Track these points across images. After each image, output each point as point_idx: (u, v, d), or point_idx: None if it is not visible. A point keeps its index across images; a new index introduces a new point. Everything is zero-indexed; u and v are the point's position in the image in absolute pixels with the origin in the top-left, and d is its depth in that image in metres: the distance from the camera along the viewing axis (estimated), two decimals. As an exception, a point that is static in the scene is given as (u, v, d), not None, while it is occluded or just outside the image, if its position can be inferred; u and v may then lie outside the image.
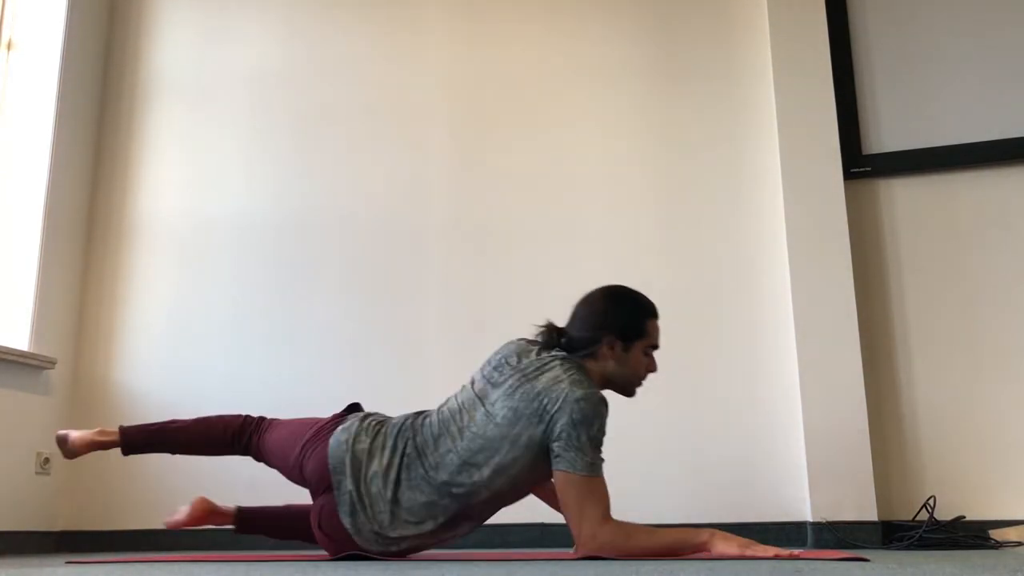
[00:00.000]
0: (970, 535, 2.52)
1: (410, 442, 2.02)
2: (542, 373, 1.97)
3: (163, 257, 3.53)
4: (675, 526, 1.94)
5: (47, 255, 3.36)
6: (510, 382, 1.98)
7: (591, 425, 1.89)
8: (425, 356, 3.25)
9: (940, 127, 3.09)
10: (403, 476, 1.99)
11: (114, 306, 3.51)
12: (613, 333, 2.05)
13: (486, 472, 1.94)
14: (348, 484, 1.99)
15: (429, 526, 1.99)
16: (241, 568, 1.65)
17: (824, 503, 2.80)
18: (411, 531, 1.98)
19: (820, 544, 2.76)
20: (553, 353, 2.03)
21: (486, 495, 1.97)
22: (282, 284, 3.41)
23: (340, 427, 2.09)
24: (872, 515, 2.77)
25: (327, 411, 3.24)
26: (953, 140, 3.07)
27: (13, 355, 3.11)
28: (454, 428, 2.00)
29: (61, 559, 2.41)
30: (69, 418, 3.39)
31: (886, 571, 1.32)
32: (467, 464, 1.95)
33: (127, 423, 2.37)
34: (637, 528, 1.89)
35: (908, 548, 2.50)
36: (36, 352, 3.26)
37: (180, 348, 3.42)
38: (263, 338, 3.37)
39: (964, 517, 2.66)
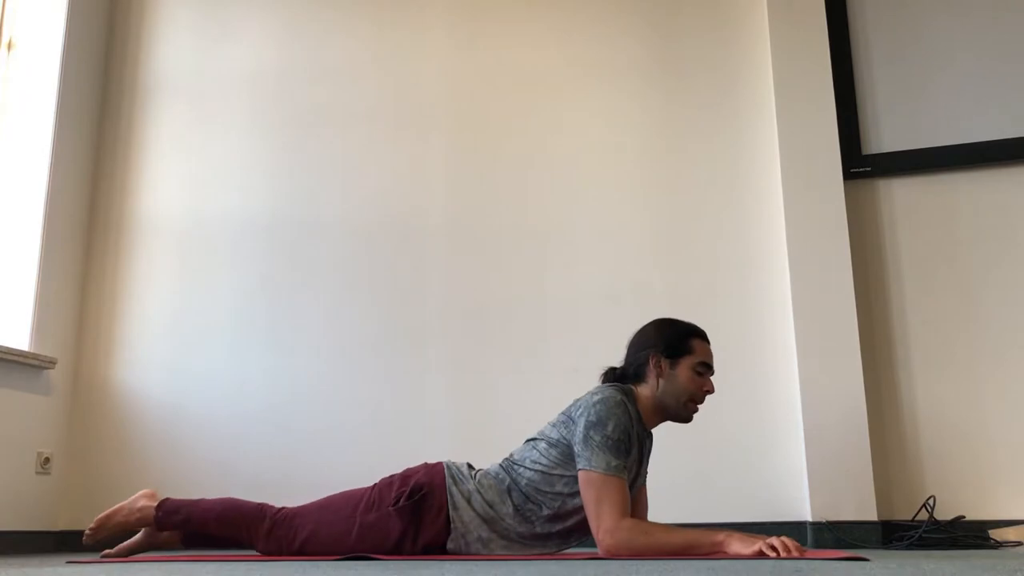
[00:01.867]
0: (970, 535, 2.52)
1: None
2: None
3: (163, 257, 3.53)
4: (687, 526, 1.96)
5: (47, 255, 3.36)
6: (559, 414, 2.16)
7: (606, 425, 1.98)
8: (426, 356, 3.25)
9: (940, 127, 3.10)
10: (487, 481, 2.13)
11: (114, 306, 3.51)
12: (657, 350, 2.11)
13: (528, 470, 2.07)
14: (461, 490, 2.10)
15: (506, 509, 2.05)
16: (241, 568, 1.65)
17: (824, 503, 2.80)
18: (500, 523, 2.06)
19: (820, 544, 2.77)
20: (601, 384, 2.15)
21: (527, 483, 2.05)
22: (282, 283, 3.42)
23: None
24: (872, 515, 2.77)
25: (326, 408, 3.25)
26: (953, 140, 3.07)
27: (13, 355, 3.11)
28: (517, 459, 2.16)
29: (61, 559, 2.41)
30: (69, 418, 3.39)
31: (886, 571, 1.32)
32: (516, 464, 2.11)
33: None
34: (654, 526, 1.94)
35: (908, 548, 2.50)
36: (36, 352, 3.26)
37: (180, 348, 3.42)
38: (263, 337, 3.37)
39: (964, 517, 2.66)
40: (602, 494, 1.94)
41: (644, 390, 2.12)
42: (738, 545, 1.82)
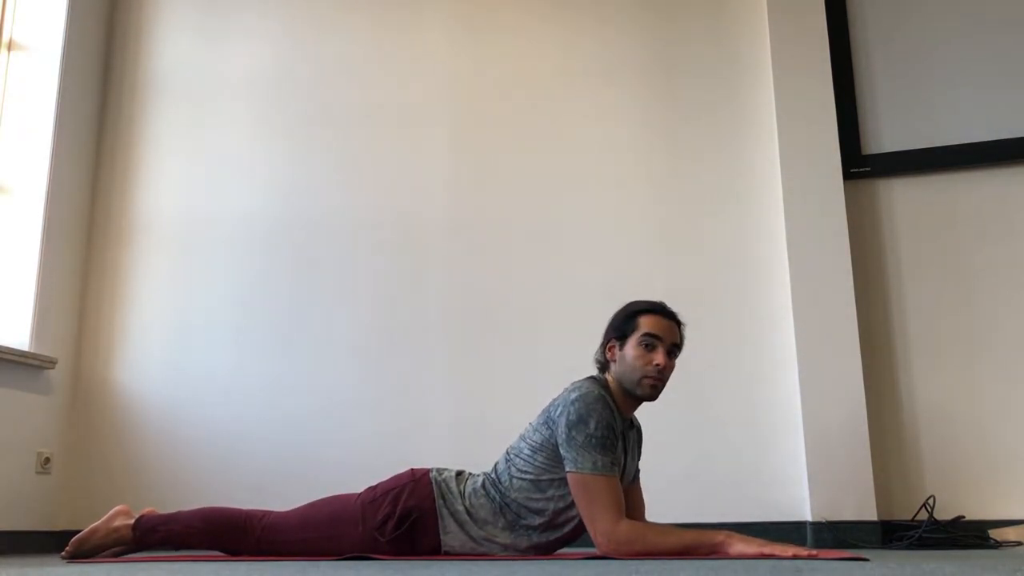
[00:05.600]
0: (970, 535, 2.52)
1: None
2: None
3: (163, 257, 3.53)
4: (685, 526, 1.95)
5: (47, 255, 3.36)
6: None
7: (587, 423, 1.94)
8: (427, 355, 3.25)
9: (940, 127, 3.10)
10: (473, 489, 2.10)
11: (114, 306, 3.51)
12: (611, 334, 2.11)
13: (517, 480, 2.03)
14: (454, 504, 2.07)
15: (500, 525, 2.03)
16: (241, 568, 1.65)
17: (824, 503, 2.80)
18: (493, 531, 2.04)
19: (820, 544, 2.77)
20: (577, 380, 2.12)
21: (516, 495, 2.02)
22: (283, 284, 3.42)
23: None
24: (872, 515, 2.77)
25: (326, 407, 3.25)
26: (953, 140, 3.07)
27: (13, 355, 3.11)
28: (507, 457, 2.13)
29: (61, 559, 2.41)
30: (69, 418, 3.39)
31: (886, 571, 1.32)
32: (501, 477, 2.08)
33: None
34: (652, 527, 1.92)
35: (908, 548, 2.51)
36: (36, 352, 3.26)
37: (180, 348, 3.42)
38: (264, 338, 3.37)
39: (964, 517, 2.67)
40: (593, 496, 1.90)
41: (610, 378, 2.09)
42: (740, 545, 1.81)
